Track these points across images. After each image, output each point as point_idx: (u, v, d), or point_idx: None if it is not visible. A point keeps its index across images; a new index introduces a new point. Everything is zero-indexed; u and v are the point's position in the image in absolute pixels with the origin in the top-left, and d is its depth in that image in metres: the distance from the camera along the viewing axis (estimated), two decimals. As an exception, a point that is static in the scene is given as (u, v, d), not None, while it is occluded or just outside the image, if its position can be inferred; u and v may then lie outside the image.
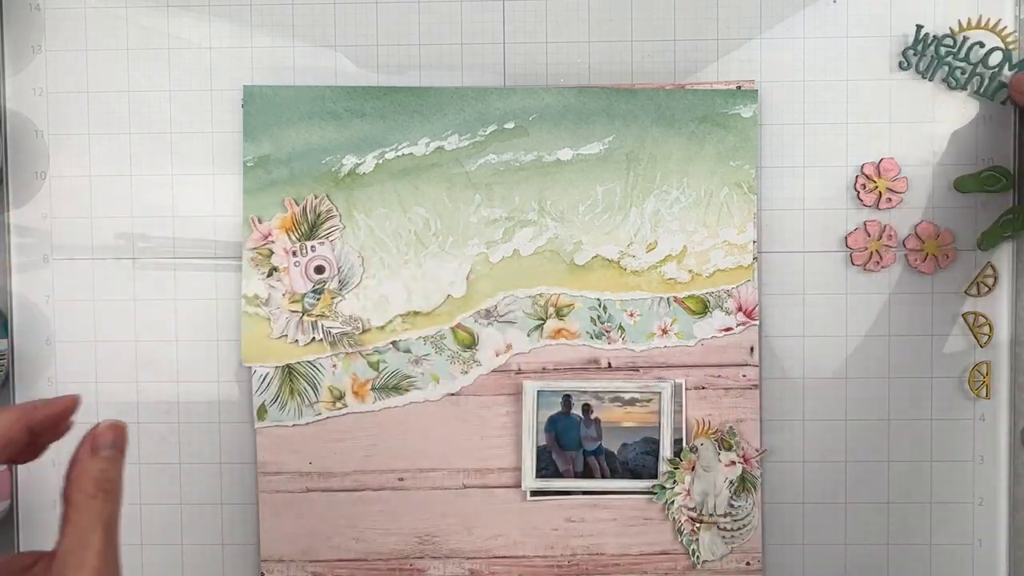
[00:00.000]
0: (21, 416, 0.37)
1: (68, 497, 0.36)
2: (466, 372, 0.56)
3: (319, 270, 0.55)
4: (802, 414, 0.57)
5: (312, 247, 0.55)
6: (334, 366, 0.56)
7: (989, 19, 0.54)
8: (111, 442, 0.37)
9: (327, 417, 0.56)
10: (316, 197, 0.55)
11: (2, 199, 0.57)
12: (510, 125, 0.55)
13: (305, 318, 0.56)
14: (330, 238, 0.55)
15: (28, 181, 0.57)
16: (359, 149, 0.55)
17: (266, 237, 0.55)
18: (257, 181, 0.55)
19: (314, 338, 0.56)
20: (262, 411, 0.56)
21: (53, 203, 0.57)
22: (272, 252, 0.55)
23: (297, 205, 0.55)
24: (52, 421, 0.39)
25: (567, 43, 0.56)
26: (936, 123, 0.56)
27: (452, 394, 0.56)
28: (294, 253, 0.55)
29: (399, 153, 0.55)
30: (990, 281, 0.56)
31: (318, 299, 0.55)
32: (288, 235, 0.55)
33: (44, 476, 0.57)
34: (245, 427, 0.57)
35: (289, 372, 0.56)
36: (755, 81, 0.55)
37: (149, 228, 0.57)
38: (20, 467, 0.57)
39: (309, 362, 0.56)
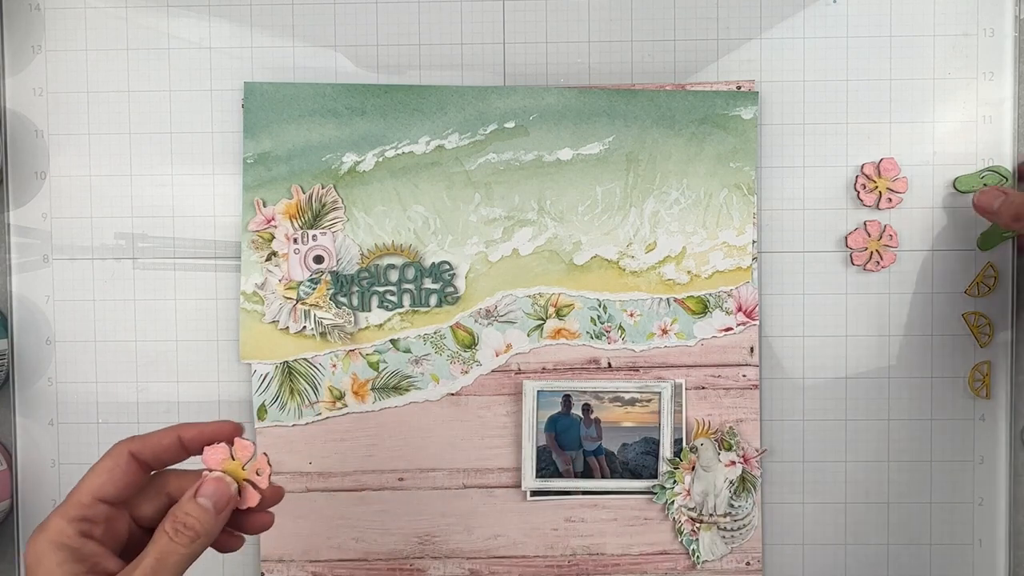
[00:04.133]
0: (172, 429, 0.40)
1: (161, 525, 0.37)
2: (466, 372, 0.56)
3: (318, 260, 0.55)
4: (802, 414, 0.57)
5: (314, 236, 0.55)
6: (334, 366, 0.56)
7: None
8: (211, 494, 0.38)
9: (327, 417, 0.56)
10: (323, 187, 0.55)
11: (2, 199, 0.57)
12: (510, 124, 0.55)
13: (299, 306, 0.55)
14: (332, 229, 0.55)
15: (28, 181, 0.57)
16: (359, 147, 0.55)
17: (269, 221, 0.55)
18: (257, 178, 0.55)
19: (305, 327, 0.56)
20: (262, 411, 0.56)
21: (53, 203, 0.57)
22: (273, 237, 0.55)
23: (303, 193, 0.55)
24: (201, 439, 0.41)
25: (567, 43, 0.56)
26: (936, 123, 0.56)
27: (452, 394, 0.56)
28: (295, 240, 0.55)
29: (399, 151, 0.55)
30: (990, 281, 0.56)
31: (314, 288, 0.55)
32: (291, 222, 0.55)
33: (44, 476, 0.57)
34: (245, 427, 0.57)
35: (289, 372, 0.56)
36: (755, 81, 0.55)
37: (149, 228, 0.57)
38: (20, 467, 0.57)
39: (308, 361, 0.56)
